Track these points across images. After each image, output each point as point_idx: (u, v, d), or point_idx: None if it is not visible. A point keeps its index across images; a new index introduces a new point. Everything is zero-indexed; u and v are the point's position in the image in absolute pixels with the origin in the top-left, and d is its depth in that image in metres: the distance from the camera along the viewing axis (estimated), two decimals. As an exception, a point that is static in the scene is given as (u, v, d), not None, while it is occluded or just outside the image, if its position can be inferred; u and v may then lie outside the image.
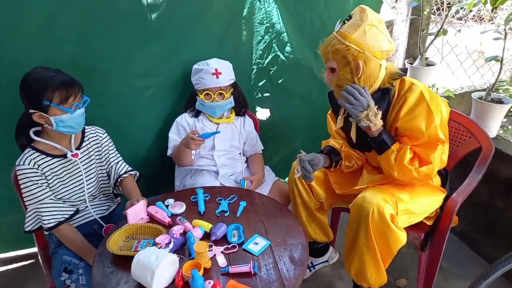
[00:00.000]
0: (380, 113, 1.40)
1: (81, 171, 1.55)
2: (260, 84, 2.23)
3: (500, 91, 2.12)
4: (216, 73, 1.82)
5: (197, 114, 1.94)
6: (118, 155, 1.72)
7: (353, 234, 1.49)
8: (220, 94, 1.86)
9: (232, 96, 1.91)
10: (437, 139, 1.41)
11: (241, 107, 2.00)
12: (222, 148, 1.95)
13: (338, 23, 1.45)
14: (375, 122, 1.39)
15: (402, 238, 1.45)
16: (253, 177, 1.92)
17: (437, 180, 1.65)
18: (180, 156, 1.87)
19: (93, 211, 1.61)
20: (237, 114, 2.01)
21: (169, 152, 1.93)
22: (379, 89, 1.46)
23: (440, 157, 1.44)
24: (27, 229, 1.49)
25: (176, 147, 1.89)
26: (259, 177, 1.94)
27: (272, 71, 2.21)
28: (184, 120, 1.93)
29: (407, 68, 1.48)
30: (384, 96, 1.46)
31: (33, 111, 1.38)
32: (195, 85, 1.90)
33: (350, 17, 1.42)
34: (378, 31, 1.38)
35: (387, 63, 1.49)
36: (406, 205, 1.46)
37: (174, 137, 1.92)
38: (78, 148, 1.55)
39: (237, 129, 1.97)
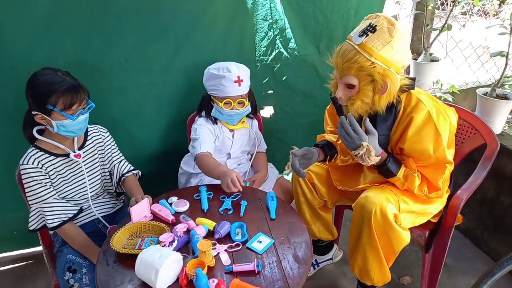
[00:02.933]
0: (374, 150, 1.35)
1: (83, 171, 1.55)
2: (264, 81, 2.22)
3: (506, 86, 2.10)
4: (238, 80, 1.74)
5: (214, 120, 1.86)
6: (121, 154, 1.72)
7: (357, 233, 1.49)
8: (240, 102, 1.80)
9: (249, 103, 1.85)
10: (445, 161, 1.40)
11: (254, 111, 1.96)
12: (235, 155, 1.95)
13: (359, 35, 1.30)
14: (367, 162, 1.36)
15: (405, 237, 1.45)
16: (255, 176, 1.91)
17: None
18: (207, 173, 1.68)
19: (98, 210, 1.61)
20: (248, 116, 1.95)
21: (201, 151, 1.71)
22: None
23: (448, 177, 1.45)
24: (31, 228, 1.49)
25: (209, 157, 1.71)
26: (261, 175, 1.93)
27: (275, 68, 2.20)
28: (211, 126, 1.84)
29: (414, 78, 1.43)
30: (390, 110, 1.41)
31: (36, 112, 1.38)
32: (211, 90, 1.81)
33: (374, 28, 1.27)
34: (404, 46, 1.31)
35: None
36: (410, 207, 1.46)
37: (208, 142, 1.76)
38: (81, 147, 1.55)
39: (252, 133, 1.96)
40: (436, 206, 1.54)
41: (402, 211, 1.43)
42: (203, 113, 1.88)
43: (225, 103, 1.76)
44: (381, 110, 1.38)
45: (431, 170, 1.42)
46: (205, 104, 1.87)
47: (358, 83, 1.33)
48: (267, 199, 1.51)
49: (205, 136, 1.78)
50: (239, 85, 1.75)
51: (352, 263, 1.57)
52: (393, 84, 1.32)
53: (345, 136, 1.37)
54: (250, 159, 2.01)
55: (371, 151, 1.34)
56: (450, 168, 1.42)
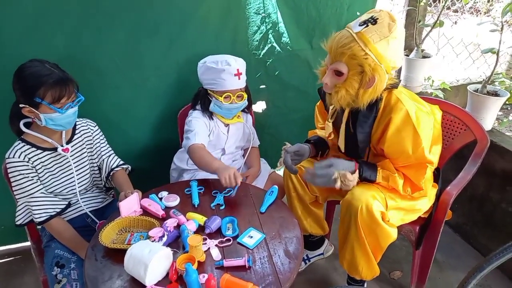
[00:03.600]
0: (347, 172, 1.39)
1: (71, 165, 1.52)
2: (256, 76, 2.20)
3: (496, 83, 2.12)
4: (238, 73, 1.71)
5: (210, 115, 1.83)
6: (110, 148, 1.69)
7: (345, 230, 1.50)
8: (239, 96, 1.77)
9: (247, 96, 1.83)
10: (425, 161, 1.41)
11: (249, 105, 1.94)
12: (230, 151, 1.94)
13: (359, 24, 1.29)
14: (350, 184, 1.40)
15: (392, 234, 1.46)
16: (248, 172, 1.91)
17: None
18: (201, 166, 1.65)
19: (86, 204, 1.59)
20: (242, 111, 1.93)
21: (196, 142, 1.68)
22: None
23: (431, 177, 1.47)
24: (18, 223, 1.47)
25: (203, 149, 1.68)
26: (254, 170, 1.93)
27: (268, 62, 2.18)
28: (206, 120, 1.81)
29: (399, 80, 1.44)
30: (371, 108, 1.41)
31: (23, 105, 1.34)
32: (209, 84, 1.77)
33: (375, 20, 1.27)
34: (399, 45, 1.31)
35: None
36: (398, 204, 1.47)
37: (202, 135, 1.73)
38: (69, 141, 1.53)
39: (247, 128, 1.94)
40: (424, 202, 1.55)
41: (390, 208, 1.44)
42: (198, 107, 1.85)
43: (225, 97, 1.74)
44: (362, 105, 1.38)
45: (412, 170, 1.43)
46: (201, 98, 1.83)
47: (347, 71, 1.32)
48: (267, 192, 1.52)
49: (200, 128, 1.76)
50: (239, 78, 1.73)
51: (341, 258, 1.59)
52: (380, 80, 1.32)
53: (319, 182, 1.42)
54: (244, 155, 2.00)
55: (345, 174, 1.39)
56: (431, 167, 1.43)
